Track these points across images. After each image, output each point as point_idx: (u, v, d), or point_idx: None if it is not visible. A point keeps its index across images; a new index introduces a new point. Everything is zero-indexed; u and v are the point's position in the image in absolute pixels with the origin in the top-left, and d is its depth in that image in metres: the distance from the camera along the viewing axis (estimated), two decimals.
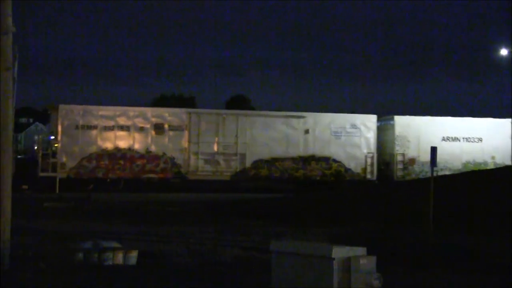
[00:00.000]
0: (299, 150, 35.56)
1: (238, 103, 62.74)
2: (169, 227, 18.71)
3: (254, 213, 22.50)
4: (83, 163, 32.41)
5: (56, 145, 32.55)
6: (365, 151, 36.48)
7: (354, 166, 36.29)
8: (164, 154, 33.57)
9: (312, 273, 8.93)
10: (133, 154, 33.16)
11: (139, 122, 33.40)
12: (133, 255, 12.45)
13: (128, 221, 19.92)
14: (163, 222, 19.80)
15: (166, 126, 33.71)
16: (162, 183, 34.32)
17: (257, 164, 34.95)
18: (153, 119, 33.63)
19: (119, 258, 12.25)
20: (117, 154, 32.90)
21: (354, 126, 36.57)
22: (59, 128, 32.31)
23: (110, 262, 12.10)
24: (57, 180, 31.41)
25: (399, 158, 36.82)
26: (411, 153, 36.78)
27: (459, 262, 13.44)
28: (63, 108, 32.73)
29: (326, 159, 36.02)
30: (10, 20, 11.48)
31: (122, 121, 33.17)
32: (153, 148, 33.43)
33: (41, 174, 32.00)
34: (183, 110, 34.73)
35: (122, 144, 33.04)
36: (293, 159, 35.43)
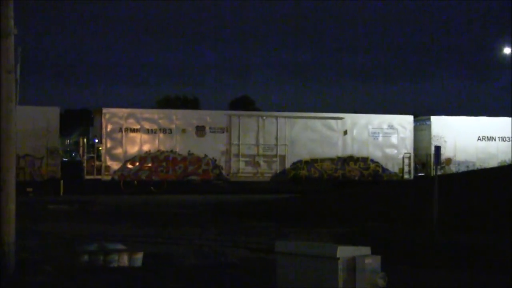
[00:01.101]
0: (338, 151, 35.85)
1: (243, 104, 62.87)
2: (174, 229, 18.70)
3: (259, 214, 22.56)
4: (127, 166, 32.80)
5: (100, 148, 32.96)
6: (402, 151, 36.76)
7: (392, 166, 36.57)
8: (205, 156, 33.93)
9: (317, 273, 8.93)
10: (176, 156, 33.52)
11: (181, 125, 33.76)
12: (138, 257, 12.38)
13: (133, 223, 19.93)
14: (168, 224, 19.76)
15: (207, 128, 34.06)
16: (203, 185, 34.66)
17: (297, 165, 35.27)
18: (195, 122, 33.99)
19: (124, 260, 12.18)
20: (160, 157, 33.29)
21: (391, 126, 36.83)
22: (103, 131, 32.69)
23: (115, 264, 12.01)
24: (61, 182, 31.45)
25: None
26: (447, 153, 37.00)
27: (463, 260, 13.43)
28: (107, 111, 33.11)
29: (364, 160, 36.32)
30: (12, 22, 11.28)
31: (164, 123, 33.53)
32: (194, 150, 33.79)
33: (87, 177, 32.44)
34: (224, 112, 35.06)
35: (165, 146, 33.40)
36: (332, 160, 35.73)
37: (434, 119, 37.55)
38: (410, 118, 37.50)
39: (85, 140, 34.09)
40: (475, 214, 18.92)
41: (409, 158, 36.78)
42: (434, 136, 37.08)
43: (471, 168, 36.44)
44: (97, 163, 32.45)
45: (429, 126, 37.26)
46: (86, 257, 12.04)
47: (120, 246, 12.96)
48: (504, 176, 24.95)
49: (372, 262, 8.89)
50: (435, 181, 17.19)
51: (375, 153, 36.46)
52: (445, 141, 37.06)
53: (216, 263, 12.74)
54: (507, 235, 15.76)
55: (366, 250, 9.12)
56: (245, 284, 10.99)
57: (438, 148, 18.26)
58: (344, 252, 8.84)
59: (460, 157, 37.40)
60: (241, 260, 13.26)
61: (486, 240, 15.63)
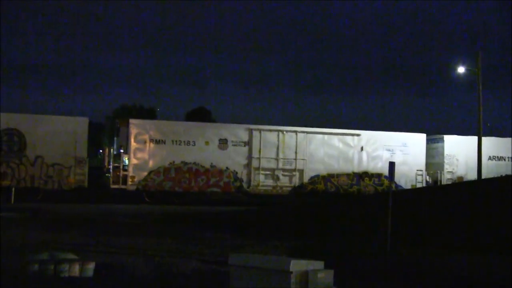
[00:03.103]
0: (354, 167, 36.78)
1: (199, 115, 63.10)
2: (128, 238, 18.57)
3: (216, 225, 22.51)
4: (151, 176, 33.52)
5: (126, 158, 33.67)
6: (414, 168, 37.74)
7: (404, 182, 37.51)
8: (227, 168, 34.72)
9: (270, 286, 8.95)
10: (198, 168, 34.30)
11: (204, 137, 34.55)
12: (90, 267, 12.19)
13: (86, 232, 19.76)
14: (121, 234, 19.64)
15: (229, 141, 34.88)
16: (224, 197, 35.35)
17: (314, 179, 36.17)
18: (217, 135, 34.78)
19: (76, 270, 11.95)
20: (183, 168, 34.05)
21: (404, 144, 37.84)
22: (129, 142, 33.43)
23: (66, 274, 11.76)
24: (13, 190, 31.17)
25: (448, 176, 38.17)
26: (459, 171, 38.11)
27: (415, 276, 13.39)
28: (133, 122, 33.86)
29: (378, 176, 37.28)
30: None
31: (188, 136, 34.31)
32: (217, 163, 34.58)
33: (113, 186, 33.15)
34: (245, 126, 35.74)
35: (188, 158, 34.14)
36: (347, 175, 36.66)
37: (447, 138, 38.66)
38: (423, 136, 38.51)
39: (111, 150, 34.75)
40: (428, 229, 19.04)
41: (422, 175, 37.80)
42: (447, 154, 38.18)
43: None
44: (122, 173, 33.17)
45: (442, 145, 38.34)
46: (36, 266, 11.77)
47: (71, 256, 12.70)
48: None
49: (325, 276, 8.92)
50: (389, 196, 17.47)
51: None
52: (457, 160, 38.17)
53: (169, 274, 12.58)
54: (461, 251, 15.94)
55: (319, 264, 9.13)
56: None
57: (392, 164, 18.58)
58: (297, 266, 8.83)
59: (471, 175, 38.44)
60: (193, 271, 13.10)
61: (439, 255, 15.60)
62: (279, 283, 8.80)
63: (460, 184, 31.19)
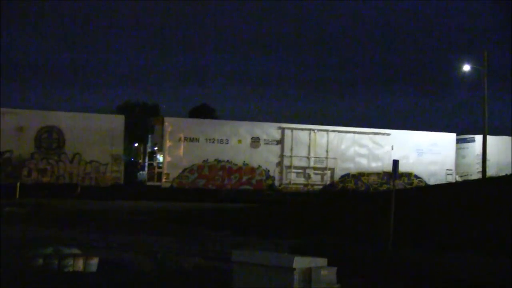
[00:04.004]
0: (384, 166, 37.13)
1: (202, 112, 63.25)
2: (132, 235, 18.58)
3: (219, 223, 22.46)
4: (185, 174, 34.17)
5: (160, 155, 34.37)
6: (444, 167, 38.04)
7: (434, 182, 37.66)
8: (259, 166, 35.28)
9: (272, 283, 8.86)
10: (231, 166, 34.90)
11: (237, 136, 35.14)
12: (94, 262, 12.24)
13: (90, 229, 19.79)
14: (125, 230, 19.64)
15: (261, 139, 35.42)
16: (256, 195, 35.72)
17: (345, 178, 36.62)
18: (250, 133, 35.34)
19: (79, 264, 12.01)
20: (217, 166, 34.67)
21: (435, 144, 38.13)
22: (164, 140, 34.10)
23: (70, 269, 11.85)
24: (17, 185, 31.19)
25: (479, 176, 38.34)
26: (490, 170, 38.26)
27: (417, 277, 13.26)
28: (168, 120, 34.54)
29: (408, 175, 37.62)
30: None
31: (222, 134, 34.91)
32: (249, 161, 35.15)
33: (148, 183, 33.88)
34: (277, 124, 36.24)
35: (222, 156, 34.76)
36: (377, 174, 37.05)
37: (479, 138, 38.80)
38: (453, 136, 38.77)
39: (146, 147, 35.46)
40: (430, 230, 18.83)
41: (451, 174, 38.06)
42: (478, 154, 38.37)
43: None
44: (157, 170, 33.87)
45: (473, 144, 38.55)
46: (40, 261, 11.87)
47: (75, 251, 12.73)
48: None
49: (328, 273, 8.87)
50: (392, 195, 17.17)
51: (419, 169, 37.78)
52: (488, 160, 38.32)
53: (172, 270, 12.58)
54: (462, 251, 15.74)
55: (323, 261, 9.04)
56: None
57: (396, 162, 18.10)
58: (300, 262, 8.74)
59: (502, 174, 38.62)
60: (195, 268, 13.07)
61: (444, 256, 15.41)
62: (282, 280, 8.75)
63: (463, 184, 31.31)
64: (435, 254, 15.73)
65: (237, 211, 26.44)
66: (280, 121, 37.20)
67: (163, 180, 33.74)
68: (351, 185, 36.64)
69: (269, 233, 19.40)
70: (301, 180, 35.89)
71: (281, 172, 35.59)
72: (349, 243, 17.49)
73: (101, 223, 21.50)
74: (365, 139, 37.13)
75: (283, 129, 36.00)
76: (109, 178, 32.76)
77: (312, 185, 36.01)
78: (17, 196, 30.43)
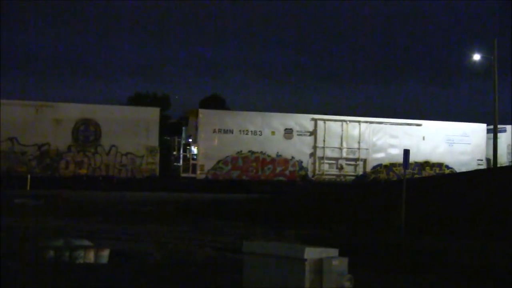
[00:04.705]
0: (415, 156, 37.09)
1: (213, 102, 63.34)
2: (142, 226, 18.60)
3: (229, 213, 22.40)
4: (219, 165, 34.32)
5: (194, 147, 34.53)
6: (475, 158, 38.07)
7: None
8: (292, 157, 35.40)
9: (283, 274, 8.82)
10: (265, 157, 35.03)
11: (271, 127, 35.24)
12: (105, 253, 12.25)
13: (100, 220, 19.86)
14: (136, 222, 19.69)
15: (294, 131, 35.53)
16: (288, 186, 35.84)
17: (377, 169, 36.72)
18: (283, 124, 35.44)
19: (91, 256, 12.04)
20: (251, 157, 34.80)
21: (465, 134, 38.15)
22: (198, 132, 34.23)
23: (81, 261, 11.85)
24: (28, 177, 31.14)
25: None
26: None
27: (430, 266, 13.20)
28: (202, 112, 34.68)
29: (439, 165, 37.70)
30: None
31: (255, 125, 35.02)
32: (282, 152, 35.27)
33: (183, 174, 34.07)
34: (310, 116, 36.32)
35: (255, 147, 34.88)
36: (409, 164, 37.02)
37: (510, 128, 38.79)
38: (483, 126, 38.78)
39: (180, 139, 35.61)
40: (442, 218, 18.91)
41: (482, 165, 38.09)
42: (508, 145, 38.37)
43: None
44: (192, 161, 34.03)
45: (505, 134, 38.52)
46: (51, 253, 11.84)
47: (86, 242, 12.77)
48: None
49: (339, 264, 8.84)
50: (403, 185, 17.11)
51: (450, 159, 37.83)
52: None
53: (182, 261, 12.57)
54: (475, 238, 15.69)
55: (334, 252, 9.04)
56: (211, 283, 10.68)
57: (407, 152, 18.05)
58: (311, 253, 8.72)
59: None
60: (206, 259, 13.09)
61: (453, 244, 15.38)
62: (293, 270, 8.70)
63: (475, 172, 31.23)
64: (453, 242, 15.60)
65: (248, 201, 26.46)
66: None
67: (198, 171, 33.91)
68: (383, 175, 36.72)
69: (280, 224, 19.32)
70: (334, 171, 36.01)
71: (314, 163, 35.70)
72: (360, 233, 17.52)
73: (112, 215, 21.74)
74: (397, 130, 37.19)
75: (315, 120, 36.08)
76: (145, 170, 32.94)
77: (345, 176, 36.13)
78: (28, 188, 30.45)
